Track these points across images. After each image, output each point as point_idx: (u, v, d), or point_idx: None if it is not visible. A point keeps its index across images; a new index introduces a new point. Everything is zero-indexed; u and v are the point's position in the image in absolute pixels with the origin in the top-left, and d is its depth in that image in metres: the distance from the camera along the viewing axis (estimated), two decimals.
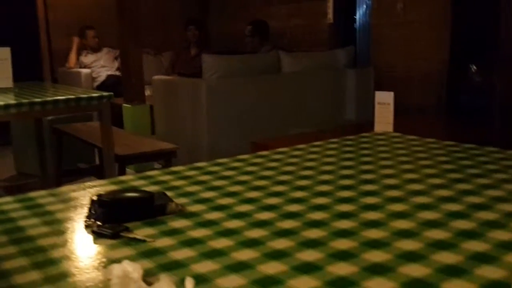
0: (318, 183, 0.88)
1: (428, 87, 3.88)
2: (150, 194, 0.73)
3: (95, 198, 0.70)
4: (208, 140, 3.16)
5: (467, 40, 3.53)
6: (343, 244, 0.62)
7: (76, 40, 4.92)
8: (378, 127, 2.15)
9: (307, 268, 0.55)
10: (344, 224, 0.68)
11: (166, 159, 2.47)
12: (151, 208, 0.71)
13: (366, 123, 1.92)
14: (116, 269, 0.51)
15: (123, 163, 2.35)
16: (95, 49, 4.96)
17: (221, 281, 0.53)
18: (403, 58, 4.07)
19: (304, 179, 0.90)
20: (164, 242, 0.64)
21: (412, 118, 3.32)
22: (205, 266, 0.57)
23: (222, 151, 2.58)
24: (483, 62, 2.85)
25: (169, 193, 0.80)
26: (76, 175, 3.06)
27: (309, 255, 0.59)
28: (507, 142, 1.38)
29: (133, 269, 0.51)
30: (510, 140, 1.44)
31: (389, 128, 2.12)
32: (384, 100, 2.12)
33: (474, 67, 2.97)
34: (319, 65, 3.84)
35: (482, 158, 1.02)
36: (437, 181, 0.87)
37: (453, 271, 0.54)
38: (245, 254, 0.60)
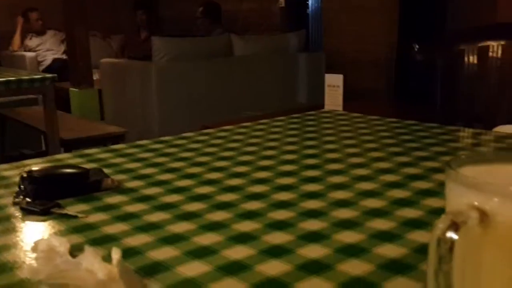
0: (262, 158, 0.87)
1: (378, 71, 3.94)
2: (85, 170, 0.71)
3: (25, 174, 0.67)
4: (159, 124, 3.12)
5: (415, 23, 3.60)
6: (281, 215, 0.61)
7: (20, 21, 4.72)
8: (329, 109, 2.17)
9: (243, 238, 0.55)
10: (284, 196, 0.68)
11: (114, 143, 2.42)
12: (85, 184, 0.69)
13: (317, 106, 1.93)
14: (41, 244, 0.49)
15: (69, 147, 2.29)
16: (40, 32, 4.79)
17: (154, 253, 0.52)
18: (353, 42, 4.12)
19: (248, 155, 0.89)
20: (97, 217, 0.62)
21: (362, 101, 3.36)
22: (138, 239, 0.55)
23: (173, 135, 2.54)
24: (428, 42, 2.91)
25: (106, 170, 0.77)
26: (20, 161, 2.95)
27: (246, 226, 0.58)
28: (447, 118, 1.42)
29: (59, 243, 0.49)
30: (450, 116, 1.48)
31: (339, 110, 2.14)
32: (334, 83, 2.14)
33: (417, 46, 3.04)
34: (271, 49, 3.84)
35: (422, 133, 1.04)
36: (377, 154, 0.88)
37: (386, 237, 0.54)
38: (181, 227, 0.58)
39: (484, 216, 0.32)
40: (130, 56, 4.46)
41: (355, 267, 0.48)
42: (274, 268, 0.48)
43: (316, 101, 2.10)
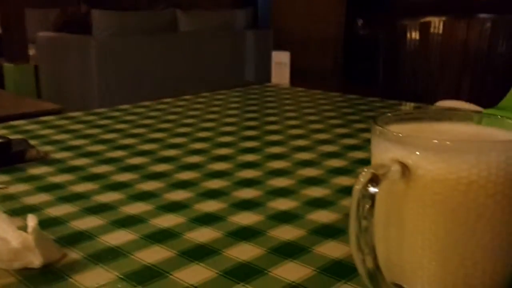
0: (201, 130, 0.85)
1: (326, 50, 3.97)
2: (7, 140, 0.66)
3: None
4: (99, 102, 3.03)
5: (363, 2, 3.63)
6: (215, 184, 0.60)
7: None
8: None
9: (174, 207, 0.53)
10: (220, 166, 0.66)
11: None
12: (8, 155, 0.65)
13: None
14: None
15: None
16: None
17: (77, 223, 0.49)
18: (302, 21, 4.12)
19: (186, 127, 0.87)
20: (18, 188, 0.58)
21: (309, 79, 3.38)
22: (61, 210, 0.52)
23: None
24: (372, 17, 2.95)
25: (33, 142, 0.73)
26: None
27: (178, 195, 0.56)
28: (390, 92, 1.44)
29: None
30: (392, 90, 1.50)
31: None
32: (281, 60, 2.13)
33: (361, 21, 3.07)
34: (217, 25, 3.78)
35: (363, 107, 1.04)
36: (317, 126, 0.87)
37: (320, 203, 0.54)
38: (109, 197, 0.56)
39: (405, 169, 0.31)
40: (69, 30, 4.29)
41: (286, 233, 0.47)
42: (204, 235, 0.47)
43: (264, 79, 2.09)
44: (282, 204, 0.54)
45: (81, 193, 0.57)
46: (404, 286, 0.34)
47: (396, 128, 0.35)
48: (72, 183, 0.60)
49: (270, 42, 3.95)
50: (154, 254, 0.43)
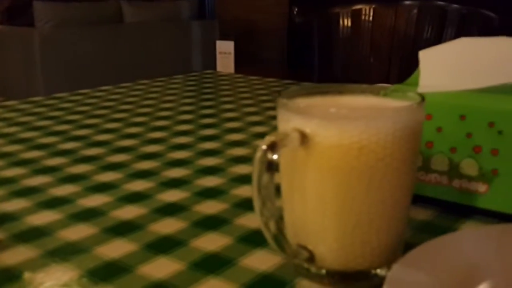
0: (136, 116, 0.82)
1: (272, 39, 3.97)
2: None
3: None
4: (45, 95, 2.91)
5: None
6: (177, 173, 0.58)
7: None
8: None
9: (135, 198, 0.50)
10: (180, 154, 0.64)
11: None
12: None
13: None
14: None
15: None
16: None
17: (31, 218, 0.46)
18: (247, 11, 4.10)
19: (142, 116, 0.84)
20: None
21: (256, 68, 3.38)
22: (15, 205, 0.49)
23: None
24: (306, 5, 2.96)
25: None
26: None
27: (139, 186, 0.54)
28: (325, 78, 1.46)
29: None
30: (328, 76, 1.51)
31: None
32: (225, 50, 2.11)
33: (296, 9, 3.08)
34: (163, 16, 3.71)
35: (278, 88, 1.06)
36: (252, 109, 0.88)
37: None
38: (65, 190, 0.53)
39: (304, 137, 0.33)
40: (13, 22, 4.10)
41: (253, 220, 0.46)
42: (168, 226, 0.45)
43: (211, 69, 2.07)
44: (246, 191, 0.52)
45: (35, 187, 0.53)
46: (308, 247, 0.35)
47: (301, 101, 0.37)
48: (24, 176, 0.56)
49: (216, 32, 3.91)
50: (116, 248, 0.41)
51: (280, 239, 0.33)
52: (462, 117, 0.46)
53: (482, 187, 0.46)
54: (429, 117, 0.47)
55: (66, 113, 0.86)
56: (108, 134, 0.73)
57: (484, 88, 0.46)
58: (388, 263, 0.35)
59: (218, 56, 2.17)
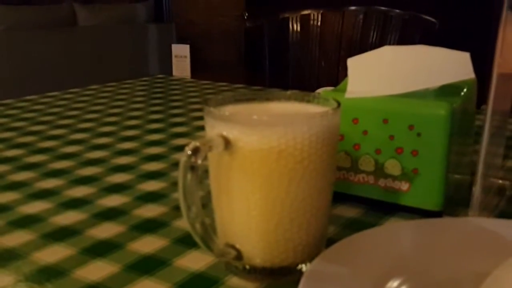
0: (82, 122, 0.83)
1: (229, 43, 3.99)
2: None
3: None
4: None
5: None
6: (120, 178, 0.59)
7: None
8: None
9: (76, 204, 0.52)
10: (124, 160, 0.66)
11: None
12: None
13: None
14: None
15: None
16: None
17: None
18: (204, 14, 4.11)
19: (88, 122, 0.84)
20: None
21: (213, 71, 3.39)
22: None
23: None
24: (257, 10, 3.00)
25: None
26: None
27: (80, 192, 0.55)
28: (277, 81, 1.49)
29: None
30: (279, 79, 1.55)
31: None
32: (181, 53, 2.11)
33: (246, 14, 3.12)
34: (118, 18, 3.68)
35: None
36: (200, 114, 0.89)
37: None
38: (5, 197, 0.53)
39: (228, 142, 0.35)
40: None
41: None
42: (106, 230, 0.46)
43: (168, 72, 2.08)
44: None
45: None
46: (236, 246, 0.38)
47: (227, 108, 0.39)
48: None
49: (173, 35, 3.90)
50: (53, 253, 0.42)
51: (206, 239, 0.35)
52: (385, 121, 0.49)
53: (404, 186, 0.49)
54: (355, 121, 0.50)
55: (11, 120, 0.86)
56: (53, 141, 0.74)
57: (405, 93, 0.50)
58: (311, 259, 0.38)
59: (174, 60, 2.18)
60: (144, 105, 0.99)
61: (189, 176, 0.34)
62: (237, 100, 0.41)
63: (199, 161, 0.34)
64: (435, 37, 1.26)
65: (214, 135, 0.35)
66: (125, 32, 3.63)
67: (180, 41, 3.73)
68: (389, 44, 1.38)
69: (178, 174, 0.34)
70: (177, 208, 0.50)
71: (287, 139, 0.34)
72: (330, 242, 0.40)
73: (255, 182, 0.36)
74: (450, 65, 0.49)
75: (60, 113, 0.91)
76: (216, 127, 0.36)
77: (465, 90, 0.51)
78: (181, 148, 0.71)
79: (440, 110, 0.47)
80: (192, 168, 0.34)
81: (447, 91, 0.50)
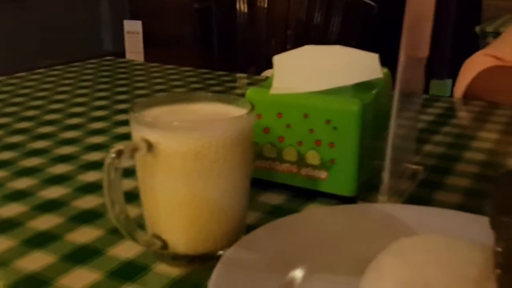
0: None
1: (183, 18, 3.95)
2: None
3: None
4: None
5: None
6: (61, 169, 0.62)
7: None
8: (129, 56, 2.14)
9: (18, 195, 0.54)
10: (67, 150, 0.68)
11: None
12: None
13: (121, 53, 1.90)
14: None
15: None
16: None
17: None
18: None
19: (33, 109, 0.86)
20: None
21: (168, 47, 3.36)
22: None
23: None
24: None
25: None
26: None
27: (22, 183, 0.58)
28: (226, 60, 1.52)
29: None
30: (229, 58, 1.58)
31: (140, 57, 2.12)
32: (133, 29, 2.10)
33: None
34: None
35: (193, 79, 1.10)
36: None
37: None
38: None
39: (150, 145, 0.39)
40: None
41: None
42: (46, 222, 0.49)
43: (122, 48, 2.07)
44: (129, 184, 0.57)
45: None
46: (162, 236, 0.42)
47: (151, 112, 0.43)
48: None
49: (126, 9, 3.84)
50: None
51: (131, 231, 0.39)
52: (306, 115, 0.53)
53: (323, 174, 0.54)
54: (280, 115, 0.55)
55: None
56: None
57: (324, 90, 0.54)
58: (230, 245, 0.42)
59: (126, 36, 2.16)
60: (90, 90, 1.00)
61: (112, 177, 0.37)
62: (163, 103, 0.44)
63: (122, 163, 0.38)
64: (374, 20, 1.31)
65: (138, 139, 0.39)
66: (75, 6, 3.56)
67: (134, 16, 3.68)
68: (334, 25, 1.43)
69: (103, 175, 0.37)
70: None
71: (203, 142, 0.38)
72: (252, 228, 0.44)
73: (176, 180, 0.40)
74: (362, 65, 0.54)
75: (5, 100, 0.92)
76: (139, 131, 0.40)
77: (378, 87, 0.56)
78: (124, 137, 0.74)
79: (353, 106, 0.52)
80: (116, 169, 0.37)
81: (361, 88, 0.55)
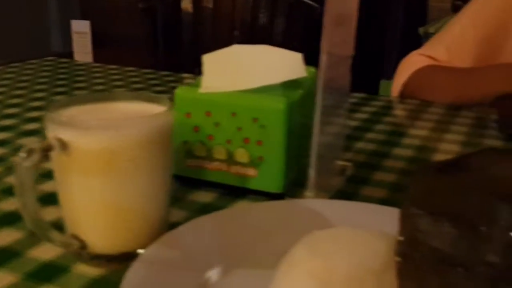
0: None
1: (132, 18, 3.91)
2: None
3: None
4: None
5: None
6: None
7: None
8: (78, 57, 2.10)
9: None
10: None
11: None
12: None
13: (70, 54, 1.85)
14: None
15: None
16: None
17: None
18: None
19: None
20: None
21: (114, 50, 3.31)
22: None
23: None
24: None
25: None
26: None
27: None
28: (171, 60, 1.51)
29: None
30: (174, 60, 1.57)
31: (89, 58, 2.08)
32: (81, 29, 2.06)
33: None
34: None
35: (134, 79, 1.09)
36: None
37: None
38: None
39: (64, 145, 0.38)
40: None
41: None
42: None
43: (70, 48, 2.03)
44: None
45: None
46: (81, 236, 0.41)
47: (67, 111, 0.42)
48: None
49: (77, 10, 3.76)
50: None
51: (46, 232, 0.39)
52: (233, 114, 0.54)
53: (252, 172, 0.55)
54: (209, 113, 0.55)
55: None
56: None
57: (251, 89, 0.55)
58: (151, 244, 0.42)
59: (75, 36, 2.11)
60: (27, 91, 0.98)
61: (23, 177, 0.37)
62: (81, 102, 0.44)
63: (34, 163, 0.37)
64: (317, 21, 1.33)
65: (51, 138, 0.39)
66: (21, 5, 3.47)
67: (84, 16, 3.61)
68: (278, 26, 1.44)
69: (15, 175, 0.37)
70: (38, 200, 0.53)
71: (118, 140, 0.38)
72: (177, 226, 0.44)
73: (92, 180, 0.39)
74: (287, 64, 0.55)
75: None
76: (54, 130, 0.39)
77: (305, 85, 0.57)
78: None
79: (279, 104, 0.52)
80: (27, 169, 0.37)
81: (288, 87, 0.56)
